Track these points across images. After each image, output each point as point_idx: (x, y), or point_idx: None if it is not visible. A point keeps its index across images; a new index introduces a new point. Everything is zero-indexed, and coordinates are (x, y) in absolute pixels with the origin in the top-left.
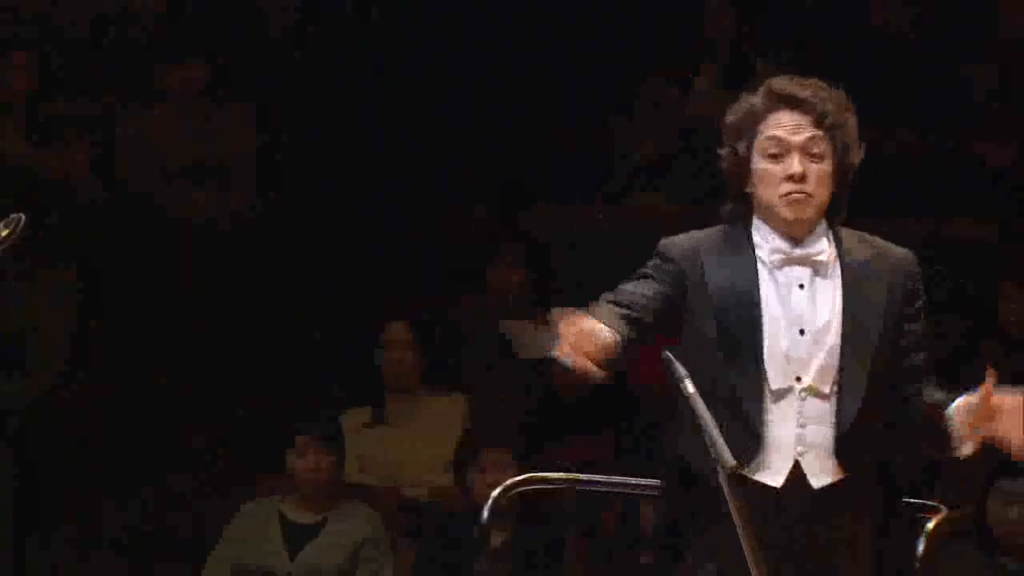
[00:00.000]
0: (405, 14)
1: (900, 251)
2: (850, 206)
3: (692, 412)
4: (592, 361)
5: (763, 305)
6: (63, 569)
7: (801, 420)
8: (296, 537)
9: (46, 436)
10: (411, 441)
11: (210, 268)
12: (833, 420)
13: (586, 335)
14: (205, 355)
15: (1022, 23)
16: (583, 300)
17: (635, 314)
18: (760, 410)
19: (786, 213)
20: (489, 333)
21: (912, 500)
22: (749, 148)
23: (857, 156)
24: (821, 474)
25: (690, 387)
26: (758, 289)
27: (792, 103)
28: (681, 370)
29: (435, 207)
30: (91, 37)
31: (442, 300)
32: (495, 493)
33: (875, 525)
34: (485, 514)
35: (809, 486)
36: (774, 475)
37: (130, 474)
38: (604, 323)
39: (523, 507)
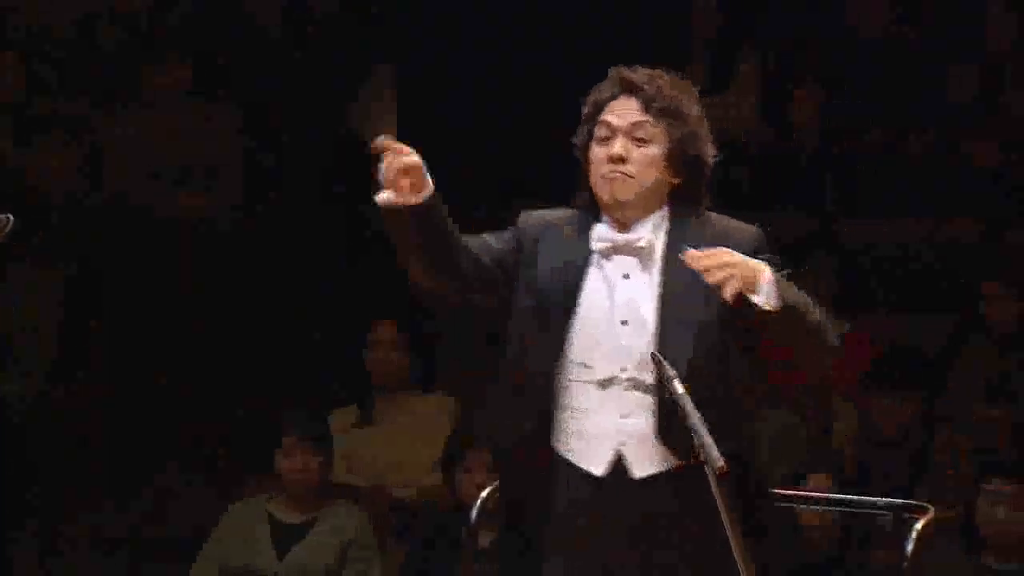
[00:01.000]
0: (404, 14)
1: (744, 228)
2: (841, 206)
3: (682, 411)
4: (409, 201)
5: (584, 295)
6: (57, 568)
7: (623, 411)
8: (284, 537)
9: (37, 436)
10: (399, 441)
11: (197, 269)
12: (655, 410)
13: (407, 171)
14: (193, 356)
15: (1009, 26)
16: None
17: (473, 248)
18: (581, 399)
19: (605, 192)
20: (476, 334)
21: (899, 500)
22: (590, 135)
23: (704, 148)
24: (644, 464)
25: (679, 387)
26: (582, 279)
27: (628, 89)
28: (670, 370)
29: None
30: (78, 39)
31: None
32: (483, 494)
33: (704, 515)
34: (473, 514)
35: (631, 476)
36: (596, 464)
37: (124, 474)
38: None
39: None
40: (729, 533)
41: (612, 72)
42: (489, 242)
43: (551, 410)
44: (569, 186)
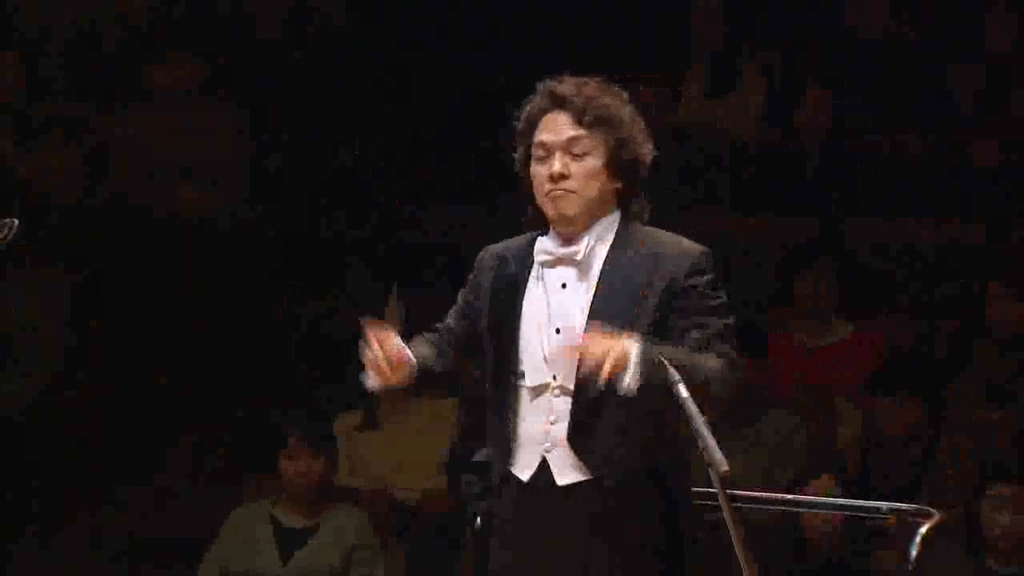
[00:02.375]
0: (404, 14)
1: (687, 246)
2: (846, 208)
3: (686, 415)
4: (398, 382)
5: (523, 305)
6: (58, 571)
7: (552, 417)
8: (288, 541)
9: (37, 436)
10: (403, 444)
11: (200, 269)
12: (569, 412)
13: (389, 360)
14: (197, 357)
15: (1010, 27)
16: None
17: (442, 342)
18: (515, 405)
19: (550, 211)
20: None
21: (904, 504)
22: (527, 152)
23: (641, 150)
24: (567, 471)
25: (683, 391)
26: (522, 289)
27: (558, 103)
28: (675, 375)
29: (432, 208)
30: (79, 39)
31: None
32: None
33: (630, 521)
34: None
35: (554, 482)
36: (523, 469)
37: (124, 475)
38: (412, 351)
39: None
40: (733, 537)
41: (540, 87)
42: (452, 324)
43: (506, 424)
44: None
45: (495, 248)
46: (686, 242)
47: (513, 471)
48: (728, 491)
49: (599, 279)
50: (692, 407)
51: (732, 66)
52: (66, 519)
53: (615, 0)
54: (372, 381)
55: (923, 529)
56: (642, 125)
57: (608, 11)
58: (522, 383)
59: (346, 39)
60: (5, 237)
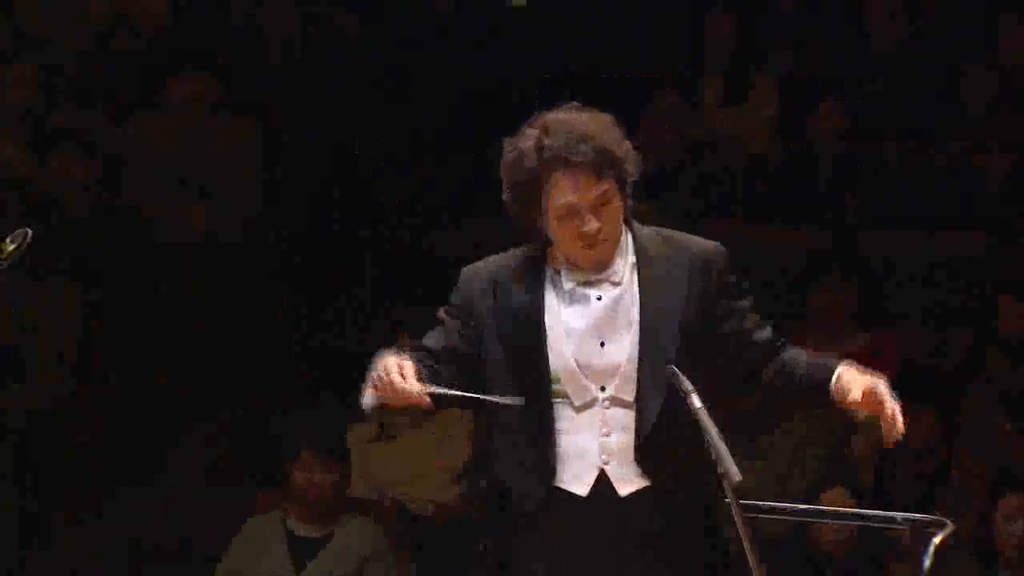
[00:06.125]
0: (418, 27)
1: (705, 244)
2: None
3: (700, 426)
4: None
5: (550, 322)
6: (56, 569)
7: (605, 429)
8: (301, 551)
9: (49, 446)
10: (416, 455)
11: (214, 280)
12: (634, 426)
13: (397, 388)
14: (208, 367)
15: (1021, 37)
16: None
17: (437, 366)
18: (554, 423)
19: (583, 261)
20: None
21: (917, 514)
22: (536, 207)
23: (635, 164)
24: (629, 482)
25: (696, 401)
26: (542, 308)
27: (567, 164)
28: (687, 384)
29: (445, 219)
30: (93, 51)
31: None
32: None
33: (692, 530)
34: None
35: (616, 494)
36: (577, 484)
37: (134, 484)
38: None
39: None
40: (746, 547)
41: (537, 144)
42: (443, 345)
43: (547, 442)
44: None
45: (480, 270)
46: (699, 239)
47: (563, 487)
48: (741, 501)
49: (639, 288)
50: (706, 417)
51: (745, 76)
52: (75, 526)
53: (621, 4)
54: (370, 400)
55: (936, 539)
56: (625, 140)
57: (620, 21)
58: (560, 400)
59: (356, 50)
60: (18, 248)
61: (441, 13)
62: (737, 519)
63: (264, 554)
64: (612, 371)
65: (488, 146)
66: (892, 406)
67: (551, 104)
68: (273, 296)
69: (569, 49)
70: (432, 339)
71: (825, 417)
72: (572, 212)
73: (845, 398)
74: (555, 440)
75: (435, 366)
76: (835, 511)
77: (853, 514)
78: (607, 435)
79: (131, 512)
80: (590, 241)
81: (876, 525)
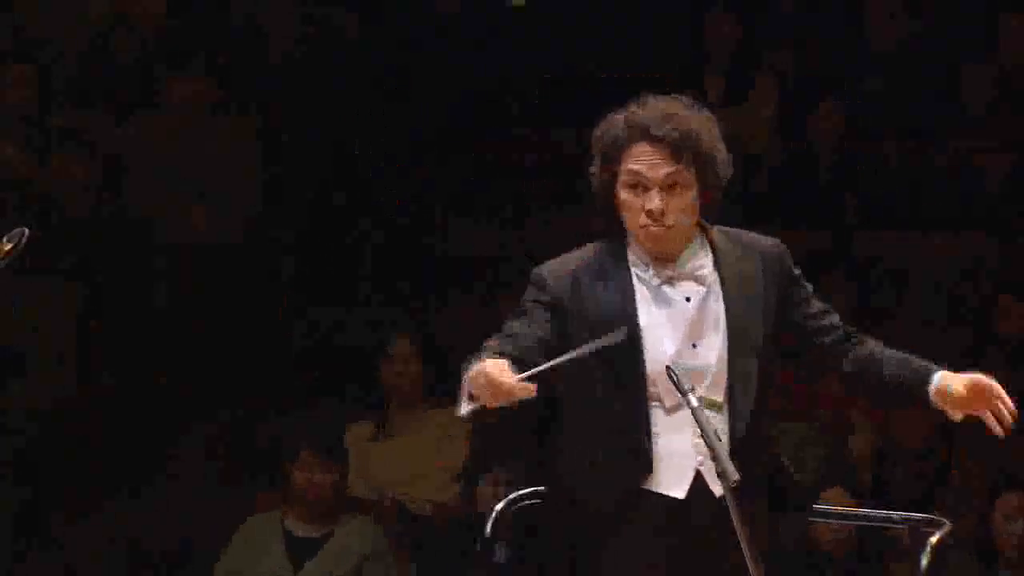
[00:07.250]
0: (418, 27)
1: (767, 240)
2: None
3: (697, 425)
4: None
5: (643, 321)
6: (57, 570)
7: (698, 430)
8: (299, 551)
9: (48, 447)
10: (414, 455)
11: (214, 280)
12: (727, 427)
13: (494, 385)
14: (207, 367)
15: (1021, 37)
16: None
17: (527, 359)
18: (652, 424)
19: (647, 242)
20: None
21: (916, 514)
22: (615, 175)
23: (726, 173)
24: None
25: (694, 400)
26: (635, 306)
27: (650, 137)
28: (685, 383)
29: (440, 219)
30: (92, 51)
31: (446, 313)
32: (499, 506)
33: (767, 526)
34: (488, 528)
35: (712, 494)
36: (676, 487)
37: (133, 485)
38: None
39: (528, 520)
40: (744, 548)
41: (629, 115)
42: (531, 335)
43: (639, 444)
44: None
45: (559, 266)
46: (758, 235)
47: (656, 490)
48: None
49: (722, 288)
50: (702, 417)
51: (745, 76)
52: (75, 526)
53: (621, 4)
54: (467, 408)
55: (934, 539)
56: (722, 142)
57: (620, 22)
58: (658, 401)
59: (356, 50)
60: (16, 247)
61: (441, 13)
62: (735, 519)
63: (263, 554)
64: (703, 372)
65: (488, 146)
66: (1002, 393)
67: (551, 104)
68: (273, 296)
69: (569, 49)
70: (519, 326)
71: (825, 417)
72: (640, 182)
73: (950, 396)
74: (651, 442)
75: (526, 359)
76: (834, 511)
77: (852, 514)
78: (700, 436)
79: (131, 512)
80: (653, 218)
81: (874, 525)
